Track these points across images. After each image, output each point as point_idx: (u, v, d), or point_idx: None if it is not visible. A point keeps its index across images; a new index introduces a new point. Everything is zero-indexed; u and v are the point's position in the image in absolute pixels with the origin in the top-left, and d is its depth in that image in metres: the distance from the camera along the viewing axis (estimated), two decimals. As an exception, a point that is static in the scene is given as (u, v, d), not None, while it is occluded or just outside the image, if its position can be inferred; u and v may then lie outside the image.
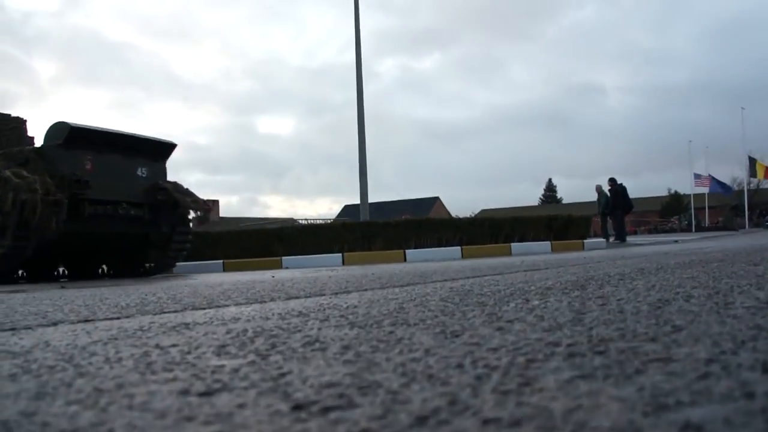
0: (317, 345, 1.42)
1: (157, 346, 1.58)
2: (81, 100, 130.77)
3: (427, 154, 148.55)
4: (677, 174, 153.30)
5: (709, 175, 43.37)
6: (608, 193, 19.83)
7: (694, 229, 44.34)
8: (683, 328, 1.30)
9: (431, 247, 12.32)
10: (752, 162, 41.78)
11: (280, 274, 5.90)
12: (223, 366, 1.23)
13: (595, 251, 11.92)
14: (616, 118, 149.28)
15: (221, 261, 12.17)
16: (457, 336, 1.39)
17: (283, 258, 11.84)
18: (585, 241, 14.27)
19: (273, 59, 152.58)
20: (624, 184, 20.45)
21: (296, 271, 6.07)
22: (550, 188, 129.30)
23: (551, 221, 13.77)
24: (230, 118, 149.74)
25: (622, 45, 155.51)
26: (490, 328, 1.46)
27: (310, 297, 3.09)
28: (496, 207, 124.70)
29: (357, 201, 16.49)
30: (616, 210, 19.50)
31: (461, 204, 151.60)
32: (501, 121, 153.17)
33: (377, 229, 12.89)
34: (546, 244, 13.16)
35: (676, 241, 19.89)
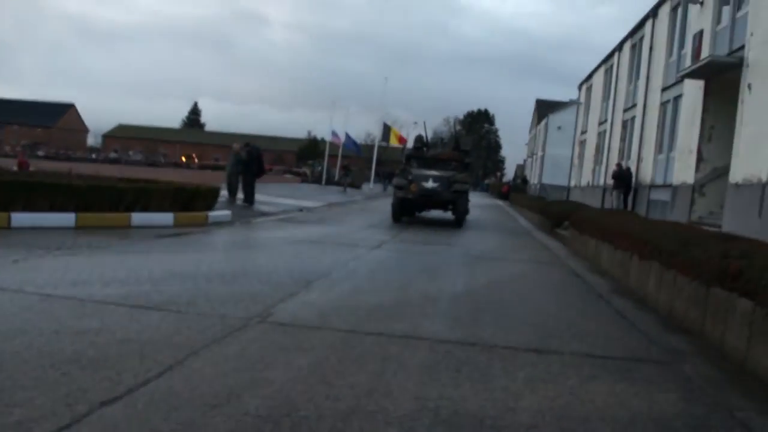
0: None
1: None
2: None
3: (73, 53, 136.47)
4: (324, 117, 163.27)
5: (346, 134, 47.34)
6: (243, 155, 20.89)
7: (324, 182, 48.07)
8: None
9: (43, 211, 11.95)
10: (386, 128, 46.60)
11: None
12: None
13: (215, 234, 12.74)
14: (276, 52, 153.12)
15: None
16: None
17: None
18: (210, 213, 15.00)
19: None
20: (259, 148, 21.69)
21: None
22: (195, 111, 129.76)
23: (177, 192, 14.22)
24: None
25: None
26: None
27: None
28: (135, 123, 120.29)
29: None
30: (247, 173, 20.63)
31: (99, 115, 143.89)
32: (158, 31, 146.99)
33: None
34: (169, 217, 13.57)
35: (301, 210, 21.81)
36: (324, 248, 11.78)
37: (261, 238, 13.09)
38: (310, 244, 12.18)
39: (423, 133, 23.97)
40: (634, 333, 6.59)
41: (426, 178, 19.04)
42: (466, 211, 20.73)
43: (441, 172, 19.38)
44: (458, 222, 19.78)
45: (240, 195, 20.83)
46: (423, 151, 22.03)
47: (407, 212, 20.47)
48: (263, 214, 18.29)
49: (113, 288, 6.65)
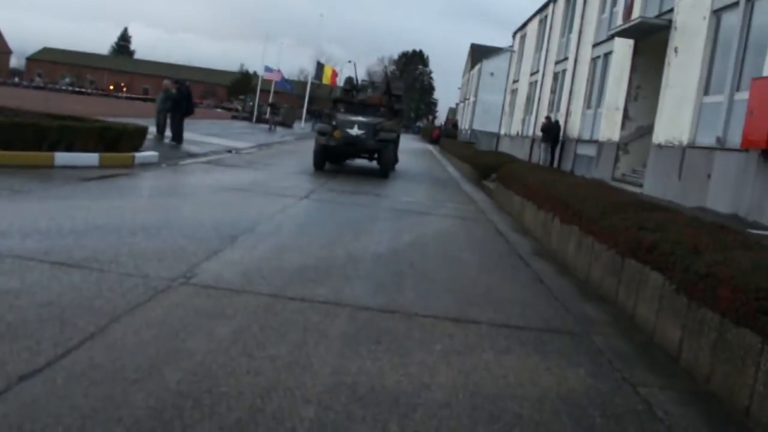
0: None
1: None
2: None
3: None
4: (257, 49, 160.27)
5: (279, 70, 46.62)
6: (173, 92, 20.46)
7: (255, 119, 47.38)
8: None
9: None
10: (320, 66, 46.06)
11: None
12: None
13: (141, 178, 12.50)
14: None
15: None
16: None
17: None
18: (137, 154, 14.67)
19: None
20: (190, 87, 21.25)
21: None
22: (125, 38, 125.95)
23: (103, 132, 13.83)
24: None
25: None
26: None
27: None
28: (61, 47, 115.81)
29: None
30: (176, 111, 20.24)
31: (23, 35, 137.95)
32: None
33: None
34: (94, 157, 13.20)
35: (230, 152, 21.50)
36: (251, 197, 11.70)
37: (188, 184, 12.89)
38: (237, 193, 12.07)
39: (353, 75, 23.07)
40: (551, 300, 6.81)
41: (351, 124, 17.95)
42: (392, 161, 19.73)
43: (368, 119, 18.43)
44: (383, 173, 18.70)
45: (168, 133, 20.45)
46: (351, 95, 20.97)
47: (331, 160, 19.47)
48: (191, 155, 17.95)
49: (34, 241, 6.49)
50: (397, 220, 11.07)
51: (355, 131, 17.84)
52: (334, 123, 18.17)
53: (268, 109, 46.21)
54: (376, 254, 8.00)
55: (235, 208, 10.24)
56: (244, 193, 12.17)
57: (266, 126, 41.75)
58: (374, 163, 19.44)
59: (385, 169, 18.73)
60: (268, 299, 5.52)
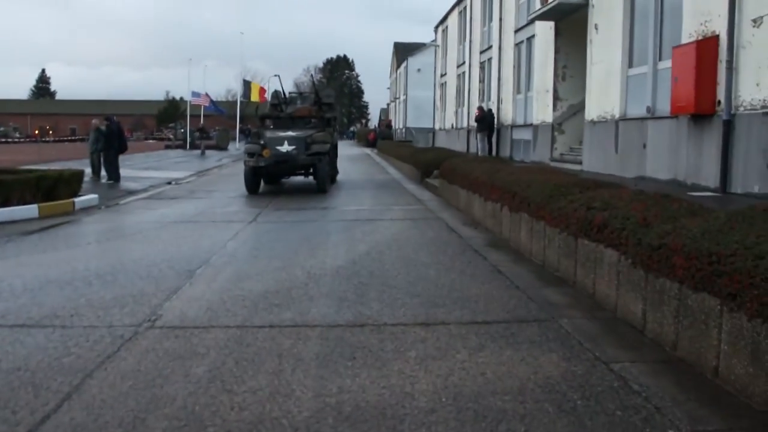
0: None
1: None
2: None
3: None
4: (182, 74, 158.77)
5: (206, 94, 46.23)
6: (104, 128, 20.22)
7: (188, 146, 46.86)
8: None
9: None
10: (247, 84, 45.86)
11: None
12: None
13: (84, 224, 12.31)
14: (128, 6, 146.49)
15: None
16: None
17: None
18: (76, 199, 14.44)
19: None
20: (119, 122, 21.04)
21: None
22: (44, 80, 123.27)
23: (39, 181, 13.59)
24: None
25: None
26: None
27: None
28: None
29: None
30: (109, 150, 19.98)
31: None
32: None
33: None
34: (33, 209, 12.97)
35: (170, 183, 21.28)
36: (200, 228, 11.62)
37: (134, 223, 12.69)
38: (185, 225, 11.98)
39: (279, 89, 22.09)
40: (512, 290, 6.95)
41: (280, 140, 17.00)
42: (329, 173, 18.96)
43: (297, 132, 17.52)
44: (320, 188, 17.59)
45: (104, 173, 20.18)
46: (280, 109, 19.96)
47: (265, 181, 18.54)
48: (131, 192, 17.72)
49: (-13, 306, 6.38)
50: (348, 231, 11.12)
51: (285, 148, 16.98)
52: (262, 141, 17.39)
53: (197, 134, 45.78)
54: (335, 268, 8.05)
55: (186, 242, 10.17)
56: (192, 224, 12.08)
57: (199, 152, 41.40)
58: (312, 179, 18.45)
59: (322, 184, 17.69)
60: (237, 331, 5.53)
